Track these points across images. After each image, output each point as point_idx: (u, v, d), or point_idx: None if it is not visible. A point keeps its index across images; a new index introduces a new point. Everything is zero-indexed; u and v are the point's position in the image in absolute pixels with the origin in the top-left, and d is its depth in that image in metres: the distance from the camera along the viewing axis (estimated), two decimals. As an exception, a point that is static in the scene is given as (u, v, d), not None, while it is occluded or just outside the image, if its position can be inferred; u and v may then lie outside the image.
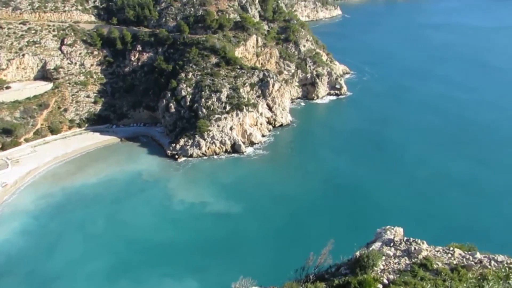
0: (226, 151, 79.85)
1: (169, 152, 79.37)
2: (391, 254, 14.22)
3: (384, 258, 13.76)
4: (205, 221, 60.34)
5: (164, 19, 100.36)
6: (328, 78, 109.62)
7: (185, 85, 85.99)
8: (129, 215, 62.03)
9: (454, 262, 13.91)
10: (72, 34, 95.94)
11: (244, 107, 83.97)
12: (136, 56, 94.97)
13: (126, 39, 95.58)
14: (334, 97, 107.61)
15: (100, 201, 65.38)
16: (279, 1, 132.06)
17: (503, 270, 13.07)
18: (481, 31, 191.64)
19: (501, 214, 59.73)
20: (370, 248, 14.63)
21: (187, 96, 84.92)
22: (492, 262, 13.76)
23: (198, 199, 65.38)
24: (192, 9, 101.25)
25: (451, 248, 14.77)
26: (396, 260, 13.82)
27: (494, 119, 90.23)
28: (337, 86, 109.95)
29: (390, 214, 57.66)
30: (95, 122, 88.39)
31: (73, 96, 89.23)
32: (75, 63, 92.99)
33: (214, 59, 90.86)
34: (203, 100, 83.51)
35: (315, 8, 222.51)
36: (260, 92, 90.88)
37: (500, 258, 13.78)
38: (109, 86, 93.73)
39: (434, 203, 62.45)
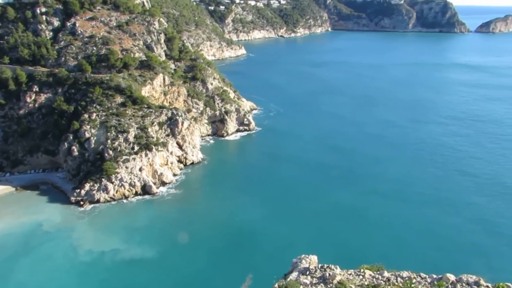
0: (136, 193, 76.51)
1: (73, 198, 73.89)
2: (308, 282, 14.44)
3: (301, 287, 13.91)
4: (117, 271, 56.25)
5: (63, 58, 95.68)
6: (237, 115, 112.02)
7: (88, 127, 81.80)
8: (26, 273, 55.43)
9: (366, 283, 14.53)
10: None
11: (153, 146, 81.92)
12: (33, 97, 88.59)
13: (21, 79, 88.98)
14: (243, 133, 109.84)
15: (-9, 261, 57.94)
16: (185, 41, 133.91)
17: (407, 283, 13.99)
18: (370, 68, 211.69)
19: (394, 235, 64.05)
20: (288, 279, 14.71)
21: (92, 137, 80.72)
22: (399, 279, 14.62)
23: (108, 247, 61.00)
24: (95, 47, 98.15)
25: (362, 270, 15.49)
26: (313, 288, 14.04)
27: (379, 152, 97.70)
28: (246, 122, 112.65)
29: (303, 243, 58.99)
30: (-15, 171, 79.73)
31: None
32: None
33: (119, 99, 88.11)
34: (109, 141, 79.94)
35: (221, 48, 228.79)
36: (169, 130, 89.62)
37: (405, 274, 14.76)
38: (1, 131, 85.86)
39: (335, 229, 65.40)
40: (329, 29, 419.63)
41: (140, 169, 78.92)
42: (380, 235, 63.61)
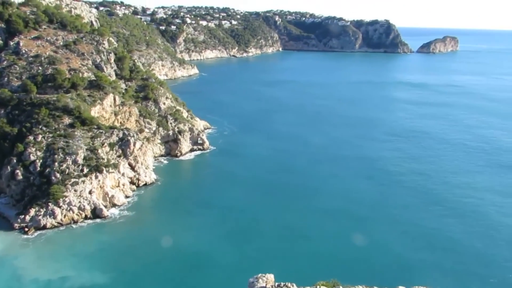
0: (86, 217, 73.44)
1: (16, 225, 69.75)
2: (265, 301, 14.47)
3: (258, 306, 13.91)
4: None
5: (6, 78, 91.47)
6: (190, 134, 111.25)
7: (34, 149, 78.17)
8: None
9: (321, 298, 14.77)
10: None
11: (103, 168, 79.39)
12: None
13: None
14: (198, 152, 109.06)
15: None
16: (136, 60, 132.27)
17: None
18: (319, 86, 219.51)
19: (348, 251, 65.42)
20: (244, 299, 14.68)
21: (37, 160, 77.11)
22: (353, 293, 15.03)
23: (55, 275, 57.73)
24: (40, 67, 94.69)
25: (318, 286, 15.76)
26: (270, 307, 14.09)
27: (328, 170, 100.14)
28: (200, 142, 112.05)
29: (259, 263, 58.90)
30: None
31: None
32: None
33: (67, 120, 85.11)
34: (56, 164, 76.65)
35: (173, 67, 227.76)
36: (120, 151, 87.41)
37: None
38: None
39: (289, 247, 65.85)
40: (280, 49, 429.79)
41: (90, 192, 76.09)
42: (334, 251, 64.68)
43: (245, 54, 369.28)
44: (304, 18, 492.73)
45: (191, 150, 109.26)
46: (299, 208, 78.76)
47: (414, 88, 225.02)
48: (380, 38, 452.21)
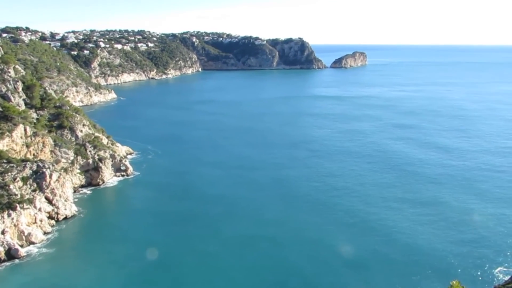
0: (0, 260, 67.05)
1: None
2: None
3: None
4: None
5: None
6: (112, 161, 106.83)
7: None
8: None
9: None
10: None
11: (17, 205, 73.28)
12: None
13: None
14: (121, 178, 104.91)
15: None
16: (47, 88, 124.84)
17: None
18: (238, 104, 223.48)
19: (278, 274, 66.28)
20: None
21: None
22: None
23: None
24: None
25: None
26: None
27: (234, 191, 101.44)
28: (123, 168, 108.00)
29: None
30: None
31: None
32: None
33: (-29, 156, 77.74)
34: (-40, 205, 69.38)
35: (89, 93, 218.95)
36: (35, 185, 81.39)
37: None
38: None
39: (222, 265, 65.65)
40: (200, 69, 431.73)
41: (3, 232, 69.68)
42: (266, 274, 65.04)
43: (164, 76, 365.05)
44: (221, 39, 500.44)
45: (114, 177, 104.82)
46: (221, 237, 74.86)
47: (332, 101, 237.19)
48: (295, 56, 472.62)
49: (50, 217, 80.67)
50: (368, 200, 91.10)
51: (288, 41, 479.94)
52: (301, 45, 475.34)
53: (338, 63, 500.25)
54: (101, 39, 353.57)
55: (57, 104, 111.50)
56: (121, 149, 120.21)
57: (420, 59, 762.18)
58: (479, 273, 62.96)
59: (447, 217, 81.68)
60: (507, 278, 47.26)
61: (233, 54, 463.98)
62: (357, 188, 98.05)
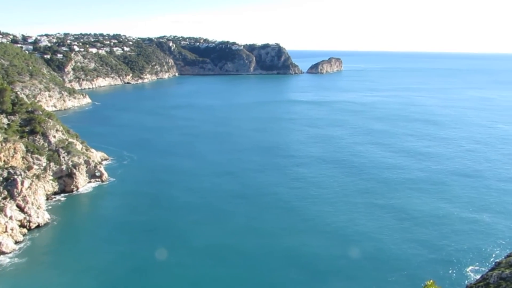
0: (-33, 271, 65.11)
1: None
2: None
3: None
4: None
5: None
6: (86, 167, 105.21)
7: None
8: None
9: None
10: None
11: (-13, 213, 71.46)
12: None
13: None
14: (96, 185, 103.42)
15: None
16: (19, 92, 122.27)
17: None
18: (215, 109, 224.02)
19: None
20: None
21: None
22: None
23: None
24: None
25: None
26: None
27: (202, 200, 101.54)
28: (97, 174, 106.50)
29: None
30: None
31: None
32: None
33: None
34: None
35: (62, 98, 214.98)
36: (6, 193, 79.49)
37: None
38: None
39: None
40: (176, 74, 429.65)
41: (-29, 242, 67.80)
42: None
43: (140, 81, 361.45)
44: (198, 43, 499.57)
45: (88, 184, 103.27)
46: (192, 246, 73.69)
47: (308, 106, 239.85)
48: (272, 61, 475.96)
49: (21, 226, 78.78)
50: (338, 205, 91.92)
51: (265, 46, 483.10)
52: (278, 50, 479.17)
53: (314, 69, 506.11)
54: (75, 43, 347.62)
55: (29, 109, 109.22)
56: (96, 155, 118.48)
57: (394, 65, 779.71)
58: (450, 273, 64.84)
59: (418, 221, 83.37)
60: (478, 276, 48.90)
61: (210, 59, 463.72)
62: (328, 194, 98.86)
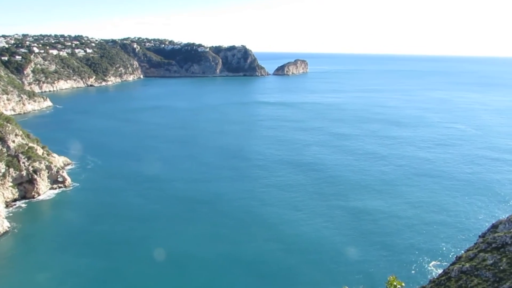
0: None
1: None
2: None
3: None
4: None
5: None
6: (48, 172, 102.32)
7: None
8: None
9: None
10: None
11: None
12: None
13: None
14: (58, 190, 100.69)
15: None
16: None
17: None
18: (181, 111, 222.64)
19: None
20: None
21: None
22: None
23: None
24: None
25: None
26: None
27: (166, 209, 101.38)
28: (60, 179, 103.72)
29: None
30: None
31: None
32: None
33: None
34: None
35: (21, 101, 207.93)
36: (-38, 200, 76.34)
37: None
38: None
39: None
40: (141, 76, 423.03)
41: None
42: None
43: (104, 83, 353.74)
44: (163, 45, 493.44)
45: (51, 189, 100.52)
46: (150, 256, 71.39)
47: (275, 107, 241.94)
48: (239, 63, 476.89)
49: (-21, 234, 75.92)
50: (299, 208, 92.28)
51: (231, 48, 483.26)
52: (244, 52, 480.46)
53: (280, 71, 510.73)
54: (35, 44, 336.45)
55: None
56: (58, 160, 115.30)
57: (358, 67, 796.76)
58: (414, 269, 66.84)
59: (379, 223, 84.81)
60: (440, 271, 50.70)
61: (175, 61, 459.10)
62: (290, 198, 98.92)
